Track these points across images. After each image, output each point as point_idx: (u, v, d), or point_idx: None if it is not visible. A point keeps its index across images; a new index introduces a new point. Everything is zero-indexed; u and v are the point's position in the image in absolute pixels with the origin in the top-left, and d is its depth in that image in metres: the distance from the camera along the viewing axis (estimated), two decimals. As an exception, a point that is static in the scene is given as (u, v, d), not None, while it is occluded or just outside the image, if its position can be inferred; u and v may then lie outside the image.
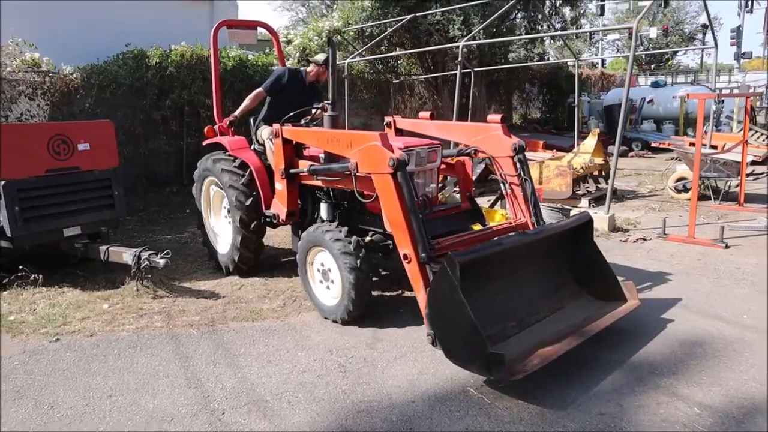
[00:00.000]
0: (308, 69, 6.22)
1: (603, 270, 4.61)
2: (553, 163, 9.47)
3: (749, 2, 33.44)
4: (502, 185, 4.96)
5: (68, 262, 6.38)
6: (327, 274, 4.78)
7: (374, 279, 5.05)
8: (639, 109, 18.34)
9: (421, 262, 3.96)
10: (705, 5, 9.78)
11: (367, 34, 13.79)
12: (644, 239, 7.24)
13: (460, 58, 8.76)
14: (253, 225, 5.70)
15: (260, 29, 7.36)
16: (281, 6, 36.49)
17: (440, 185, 6.42)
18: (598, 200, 9.56)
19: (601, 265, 4.62)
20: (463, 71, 15.28)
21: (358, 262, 4.46)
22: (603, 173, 10.40)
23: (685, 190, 9.74)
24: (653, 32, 41.94)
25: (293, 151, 5.45)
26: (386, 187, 4.15)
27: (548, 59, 23.69)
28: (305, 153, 5.52)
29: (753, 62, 41.86)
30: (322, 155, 5.24)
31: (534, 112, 22.88)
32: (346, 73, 11.48)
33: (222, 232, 6.33)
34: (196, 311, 5.12)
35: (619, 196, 10.13)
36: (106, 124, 6.50)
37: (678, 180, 9.84)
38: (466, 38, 9.37)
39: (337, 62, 13.15)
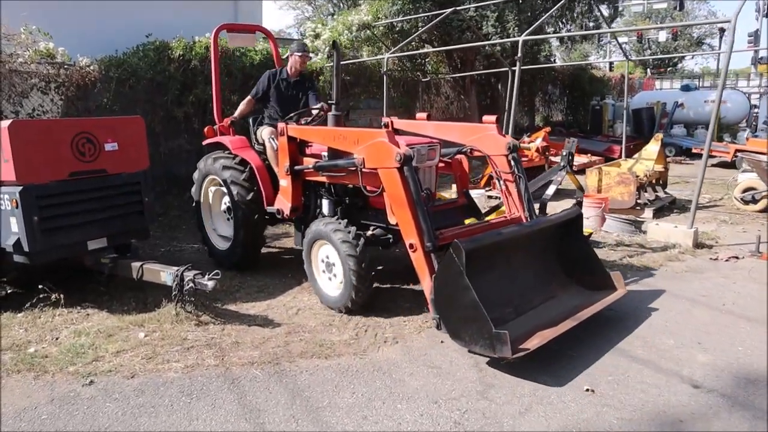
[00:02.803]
0: (288, 66, 6.20)
1: (592, 261, 4.90)
2: (613, 170, 8.69)
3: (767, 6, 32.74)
4: (497, 182, 5.17)
5: (87, 277, 5.57)
6: (331, 266, 4.94)
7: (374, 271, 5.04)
8: (671, 113, 17.57)
9: (426, 251, 4.18)
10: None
11: (397, 29, 12.99)
12: (737, 257, 6.44)
13: (519, 54, 7.96)
14: (256, 220, 5.84)
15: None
16: (287, 4, 35.54)
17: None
18: (658, 211, 8.80)
19: (590, 257, 4.92)
20: (495, 71, 14.60)
21: (357, 250, 4.62)
22: (661, 181, 9.62)
23: (754, 201, 8.98)
24: (662, 36, 41.33)
25: (298, 148, 5.56)
26: (393, 181, 4.34)
27: (554, 61, 22.89)
28: (308, 151, 5.59)
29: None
30: (324, 153, 5.32)
31: (556, 114, 22.09)
32: (385, 69, 10.68)
33: (222, 230, 6.39)
34: (252, 344, 4.30)
35: (679, 206, 9.35)
36: (136, 121, 5.70)
37: (746, 190, 9.05)
38: (525, 33, 8.57)
39: (375, 57, 12.44)
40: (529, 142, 10.59)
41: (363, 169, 4.64)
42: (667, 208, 9.14)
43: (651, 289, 5.41)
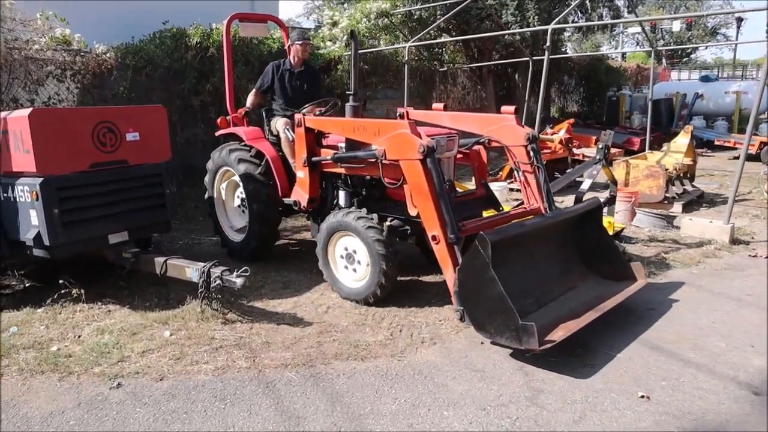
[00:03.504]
0: (290, 56, 6.06)
1: (612, 252, 4.86)
2: (642, 162, 8.44)
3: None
4: (516, 173, 5.12)
5: (105, 271, 5.42)
6: (352, 256, 4.87)
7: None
8: (691, 104, 17.23)
9: (449, 243, 4.14)
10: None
11: (415, 17, 12.72)
12: (777, 254, 6.21)
13: (548, 43, 7.71)
14: (271, 211, 5.84)
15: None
16: (297, -7, 35.20)
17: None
18: (687, 205, 8.54)
19: (610, 248, 4.88)
20: (514, 60, 14.30)
21: (376, 223, 4.63)
22: (688, 175, 9.36)
23: (786, 195, 8.72)
24: (676, 26, 40.51)
25: (315, 139, 5.48)
26: (416, 173, 4.31)
27: (566, 51, 22.47)
28: (324, 142, 5.52)
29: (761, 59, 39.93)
30: (341, 144, 5.25)
31: (571, 105, 21.73)
32: (406, 59, 10.44)
33: (237, 222, 6.33)
34: (283, 344, 4.12)
35: (707, 200, 9.10)
36: (158, 110, 5.53)
37: (777, 184, 8.79)
38: (554, 22, 8.32)
39: (394, 46, 12.19)
40: (552, 134, 10.34)
41: (383, 161, 4.61)
42: (695, 202, 8.89)
43: (692, 288, 5.20)
